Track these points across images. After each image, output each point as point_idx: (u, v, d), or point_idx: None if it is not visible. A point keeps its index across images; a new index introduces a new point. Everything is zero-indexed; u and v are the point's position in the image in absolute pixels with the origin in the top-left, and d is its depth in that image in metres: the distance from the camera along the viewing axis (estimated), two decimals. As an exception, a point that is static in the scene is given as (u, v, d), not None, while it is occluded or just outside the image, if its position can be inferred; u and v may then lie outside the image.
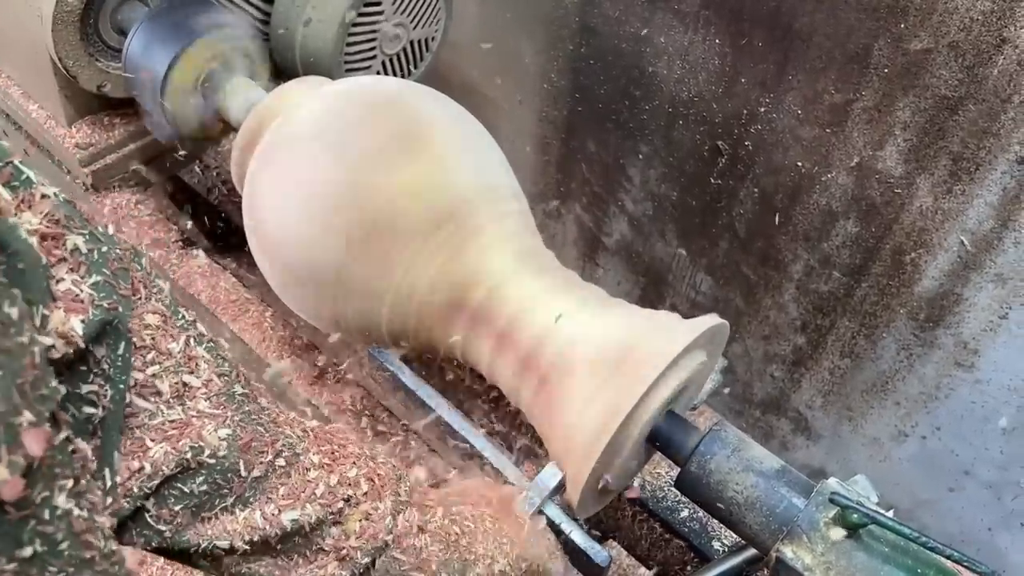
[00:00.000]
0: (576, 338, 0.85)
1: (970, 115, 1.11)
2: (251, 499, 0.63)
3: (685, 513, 1.10)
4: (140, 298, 0.57)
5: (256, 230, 0.99)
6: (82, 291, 0.51)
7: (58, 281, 0.50)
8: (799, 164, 1.34)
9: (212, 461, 0.59)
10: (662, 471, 1.13)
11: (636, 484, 1.07)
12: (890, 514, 0.73)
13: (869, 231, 1.31)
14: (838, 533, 0.73)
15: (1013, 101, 1.07)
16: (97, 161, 1.35)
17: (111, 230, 0.57)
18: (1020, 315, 1.20)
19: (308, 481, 0.66)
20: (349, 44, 1.26)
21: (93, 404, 0.53)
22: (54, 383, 0.45)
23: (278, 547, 0.65)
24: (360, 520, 0.68)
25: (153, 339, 0.57)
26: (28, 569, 0.41)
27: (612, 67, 1.51)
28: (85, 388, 0.52)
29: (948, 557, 0.69)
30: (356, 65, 1.30)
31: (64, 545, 0.44)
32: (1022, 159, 1.09)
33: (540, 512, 0.85)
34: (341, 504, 0.67)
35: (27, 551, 0.41)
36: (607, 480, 0.85)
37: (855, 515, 0.71)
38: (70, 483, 0.45)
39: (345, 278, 0.92)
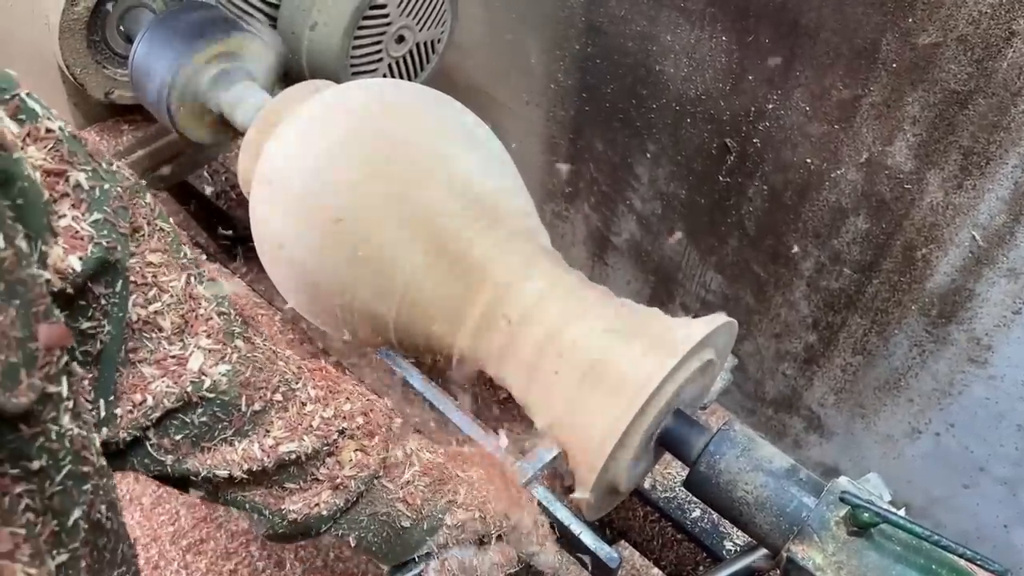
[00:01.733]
0: (583, 339, 0.85)
1: (980, 109, 1.10)
2: (249, 432, 0.65)
3: (696, 513, 1.09)
4: (143, 235, 0.58)
5: (263, 234, 0.99)
6: (82, 228, 0.51)
7: (60, 217, 0.50)
8: (808, 161, 1.33)
9: (212, 395, 0.61)
10: (673, 471, 1.13)
11: None
12: (902, 512, 0.72)
13: (879, 227, 1.30)
14: (849, 533, 0.72)
15: (1023, 94, 1.06)
16: (106, 168, 1.35)
17: (115, 166, 0.57)
18: (1033, 310, 1.19)
19: (304, 414, 0.68)
20: (355, 47, 1.27)
21: (91, 338, 0.55)
22: (58, 312, 0.47)
23: (274, 477, 0.67)
24: (355, 451, 0.70)
25: (155, 276, 0.59)
26: (32, 480, 0.43)
27: (619, 66, 1.51)
28: (83, 323, 0.54)
29: (961, 556, 0.68)
30: (362, 68, 1.30)
31: (66, 461, 0.46)
32: (1033, 153, 1.08)
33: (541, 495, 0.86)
34: (336, 436, 0.69)
35: (35, 464, 0.43)
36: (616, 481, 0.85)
37: (866, 514, 0.70)
38: (71, 403, 0.48)
39: (354, 275, 0.93)
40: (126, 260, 0.55)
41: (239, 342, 0.64)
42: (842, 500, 0.73)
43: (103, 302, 0.54)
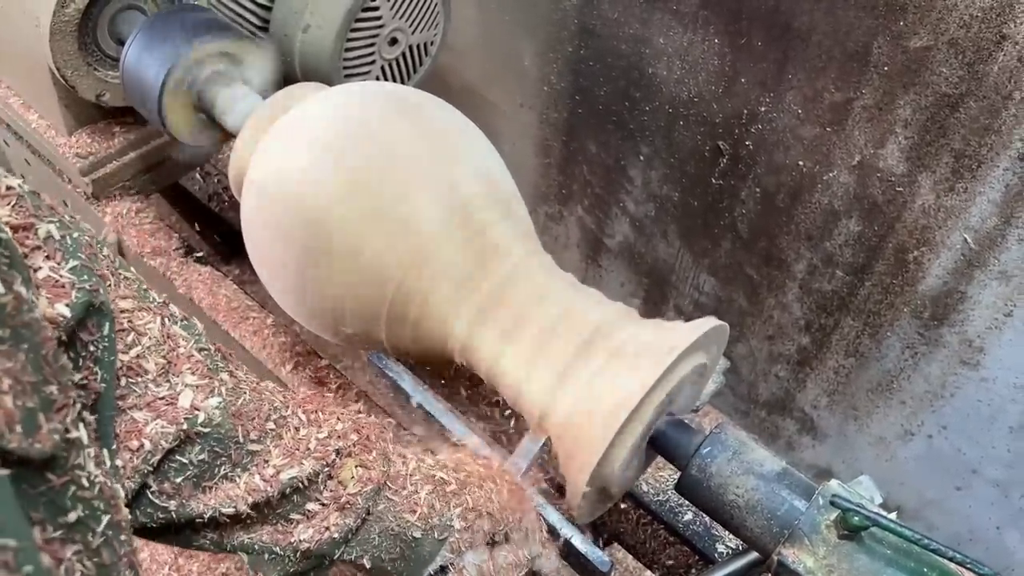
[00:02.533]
0: (573, 343, 0.85)
1: (971, 112, 1.11)
2: (248, 464, 0.64)
3: (689, 516, 1.09)
4: (110, 284, 0.59)
5: (254, 236, 0.99)
6: (62, 276, 0.51)
7: (36, 270, 0.50)
8: (800, 163, 1.33)
9: (207, 430, 0.61)
10: (665, 474, 1.13)
11: None
12: (894, 515, 0.73)
13: (872, 230, 1.31)
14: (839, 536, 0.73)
15: (1014, 98, 1.06)
16: (97, 170, 1.35)
17: (77, 217, 0.58)
18: (1025, 312, 1.20)
19: (300, 439, 0.68)
20: (348, 49, 1.26)
21: (85, 388, 0.54)
22: (64, 357, 0.47)
23: (278, 510, 0.66)
24: (354, 467, 0.70)
25: (130, 321, 0.59)
26: (73, 535, 0.42)
27: (612, 68, 1.51)
28: (76, 374, 0.53)
29: (951, 559, 0.68)
30: (355, 70, 1.30)
31: (101, 509, 0.46)
32: (1024, 156, 1.08)
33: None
34: (334, 456, 0.69)
35: (72, 516, 0.42)
36: (608, 485, 0.85)
37: (856, 518, 0.70)
38: (94, 451, 0.47)
39: (345, 282, 0.92)
40: (109, 303, 0.55)
41: (224, 375, 0.64)
42: (833, 504, 0.73)
43: (92, 348, 0.54)
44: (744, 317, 1.60)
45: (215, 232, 1.59)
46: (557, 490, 1.02)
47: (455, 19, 1.39)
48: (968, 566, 0.68)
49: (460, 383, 1.20)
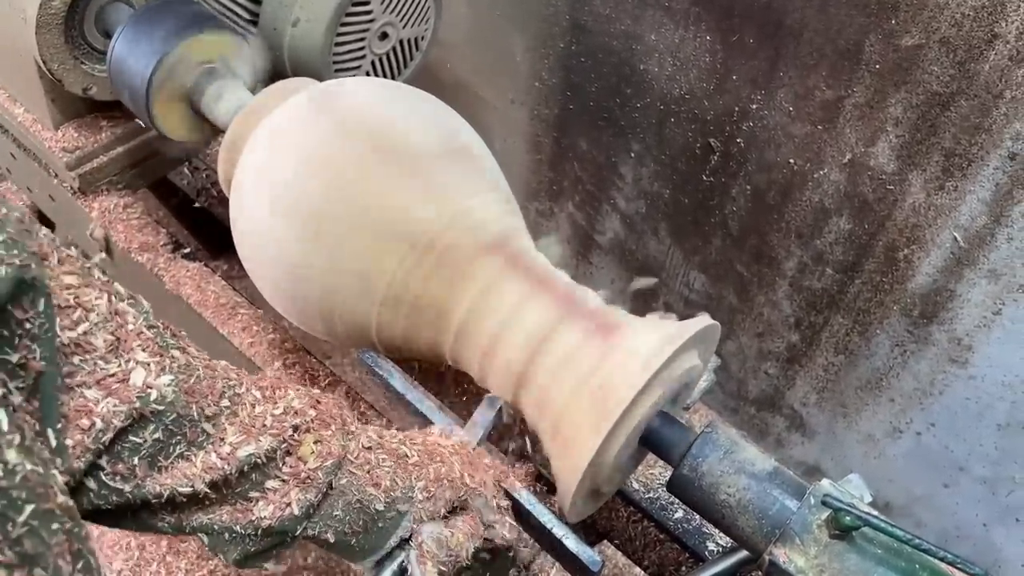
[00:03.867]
0: (564, 343, 0.85)
1: (962, 111, 1.11)
2: (204, 442, 0.63)
3: (680, 514, 1.09)
4: (52, 261, 0.57)
5: (243, 232, 0.98)
6: None
7: None
8: (791, 161, 1.33)
9: (161, 407, 0.60)
10: (656, 472, 1.13)
11: None
12: (882, 514, 0.73)
13: (862, 228, 1.31)
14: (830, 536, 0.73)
15: (1005, 96, 1.06)
16: (84, 164, 1.34)
17: (4, 198, 0.56)
18: (1013, 311, 1.20)
19: (256, 416, 0.67)
20: (338, 44, 1.25)
21: (23, 368, 0.52)
22: None
23: (237, 489, 0.66)
24: (314, 443, 0.70)
25: (76, 297, 0.57)
26: None
27: (603, 65, 1.51)
28: (12, 355, 0.51)
29: (941, 559, 0.69)
30: (345, 65, 1.29)
31: (24, 498, 0.44)
32: (1014, 155, 1.09)
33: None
34: (291, 431, 0.68)
35: None
36: (599, 483, 0.85)
37: (848, 517, 0.70)
38: (17, 438, 0.46)
39: (331, 295, 0.92)
40: (44, 278, 0.53)
41: (175, 352, 0.63)
42: (824, 503, 0.72)
43: (28, 326, 0.52)
44: (734, 314, 1.60)
45: (204, 227, 1.58)
46: (549, 489, 1.02)
47: (446, 14, 1.38)
48: (958, 566, 0.68)
49: (450, 382, 1.20)
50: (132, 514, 0.63)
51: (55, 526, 0.46)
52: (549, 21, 1.54)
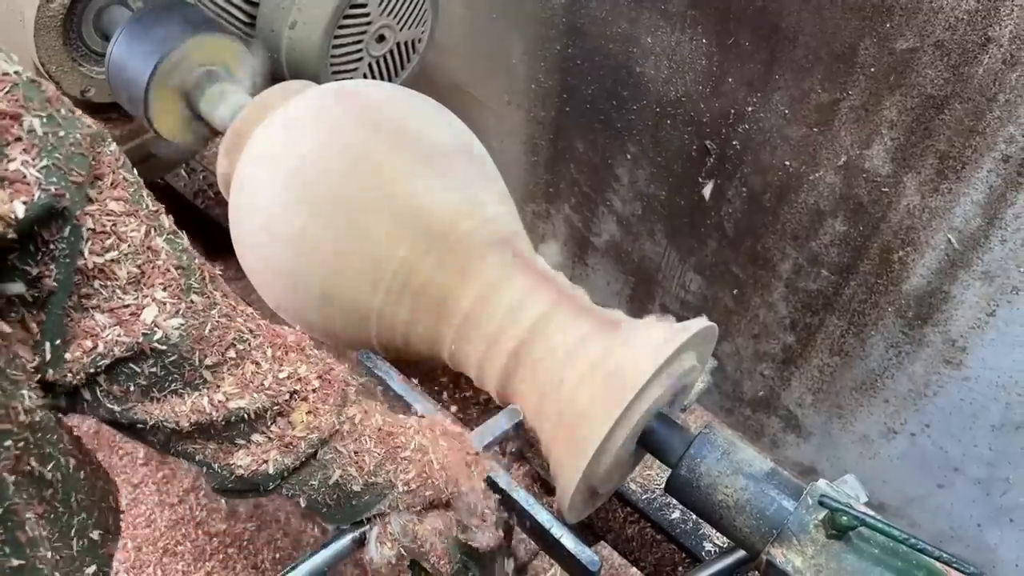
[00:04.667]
0: (564, 344, 0.85)
1: (956, 114, 1.12)
2: (200, 385, 0.65)
3: (676, 515, 1.10)
4: (105, 184, 0.58)
5: (242, 231, 0.99)
6: (30, 173, 0.51)
7: (10, 160, 0.50)
8: (787, 163, 1.34)
9: (163, 347, 0.61)
10: (653, 473, 1.13)
11: None
12: (878, 515, 0.73)
13: (857, 230, 1.31)
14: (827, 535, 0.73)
15: (998, 100, 1.07)
16: (82, 166, 1.34)
17: (76, 114, 0.57)
18: (1007, 312, 1.21)
19: (257, 372, 0.68)
20: (335, 46, 1.26)
21: (38, 281, 0.55)
22: None
23: (223, 433, 0.68)
24: (306, 413, 0.71)
25: (114, 225, 0.59)
26: None
27: (599, 67, 1.51)
28: (32, 268, 0.54)
29: (937, 558, 0.69)
30: (343, 67, 1.29)
31: None
32: (1007, 157, 1.09)
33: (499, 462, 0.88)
34: (287, 396, 0.70)
35: None
36: (598, 483, 0.85)
37: (844, 517, 0.71)
38: None
39: (335, 277, 0.92)
40: (76, 208, 0.55)
41: (195, 296, 0.64)
42: (821, 503, 0.73)
43: (51, 247, 0.55)
44: (730, 316, 1.60)
45: (201, 228, 1.58)
46: (546, 490, 1.02)
47: (443, 17, 1.39)
48: (954, 565, 0.69)
49: (445, 384, 1.20)
50: (122, 427, 0.66)
51: (7, 443, 0.50)
52: (546, 24, 1.54)
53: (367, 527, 0.80)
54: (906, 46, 1.12)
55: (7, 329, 0.55)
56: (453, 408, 1.13)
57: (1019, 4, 1.00)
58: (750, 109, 1.33)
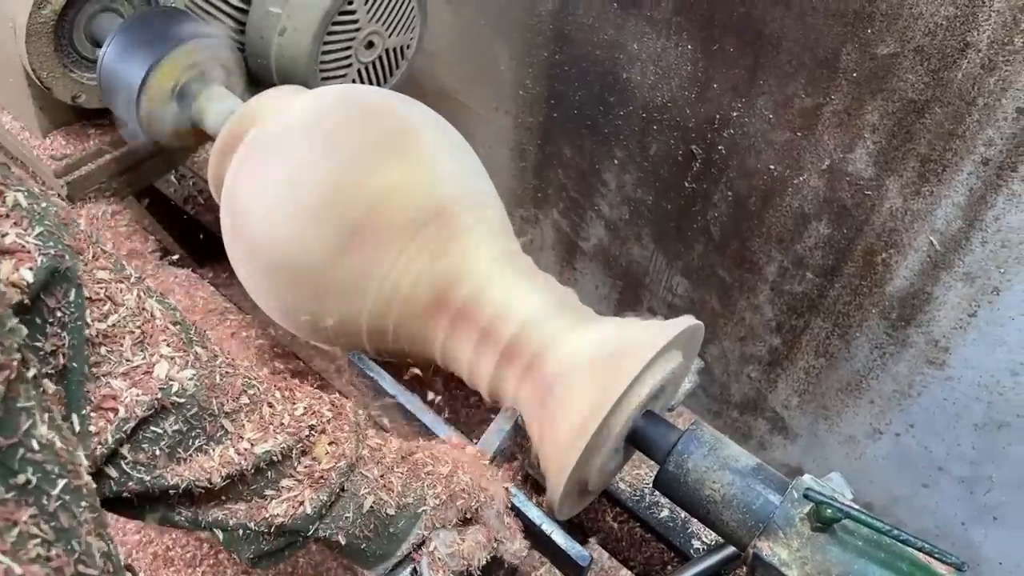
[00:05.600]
0: (554, 341, 0.87)
1: (936, 118, 1.14)
2: (223, 437, 0.65)
3: (665, 513, 1.11)
4: (88, 256, 0.60)
5: (235, 233, 0.99)
6: (27, 242, 0.52)
7: (3, 236, 0.51)
8: (772, 167, 1.36)
9: (182, 400, 0.62)
10: (642, 472, 1.14)
11: None
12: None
13: (841, 232, 1.33)
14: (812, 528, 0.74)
15: (977, 104, 1.09)
16: (72, 172, 1.34)
17: (48, 191, 0.58)
18: (988, 312, 1.23)
19: (275, 414, 0.69)
20: (324, 52, 1.27)
21: (53, 355, 0.55)
22: (15, 322, 0.47)
23: (253, 486, 0.68)
24: (328, 444, 0.72)
25: (107, 291, 0.60)
26: (27, 497, 0.42)
27: (586, 73, 1.53)
28: (44, 342, 0.54)
29: (920, 549, 0.71)
30: (332, 73, 1.30)
31: (56, 473, 0.45)
32: (987, 160, 1.11)
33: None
34: (308, 431, 0.70)
35: (21, 478, 0.42)
36: (587, 480, 0.86)
37: (829, 510, 0.72)
38: (47, 416, 0.47)
39: (327, 277, 0.93)
40: (76, 269, 0.56)
41: (198, 348, 0.65)
42: (806, 497, 0.74)
43: (59, 314, 0.55)
44: (716, 319, 1.62)
45: (192, 234, 1.59)
46: (536, 490, 1.03)
47: (431, 23, 1.40)
48: (936, 556, 0.70)
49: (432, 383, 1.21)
50: (150, 505, 0.65)
51: (84, 504, 0.47)
52: (533, 30, 1.56)
53: (416, 562, 0.78)
54: (887, 51, 1.14)
55: (52, 387, 0.54)
56: (446, 411, 1.14)
57: (996, 10, 1.02)
58: (735, 114, 1.35)
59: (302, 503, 0.69)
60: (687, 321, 0.87)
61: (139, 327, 0.61)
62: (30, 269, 0.51)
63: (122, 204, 1.41)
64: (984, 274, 1.20)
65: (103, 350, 0.59)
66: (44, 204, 0.55)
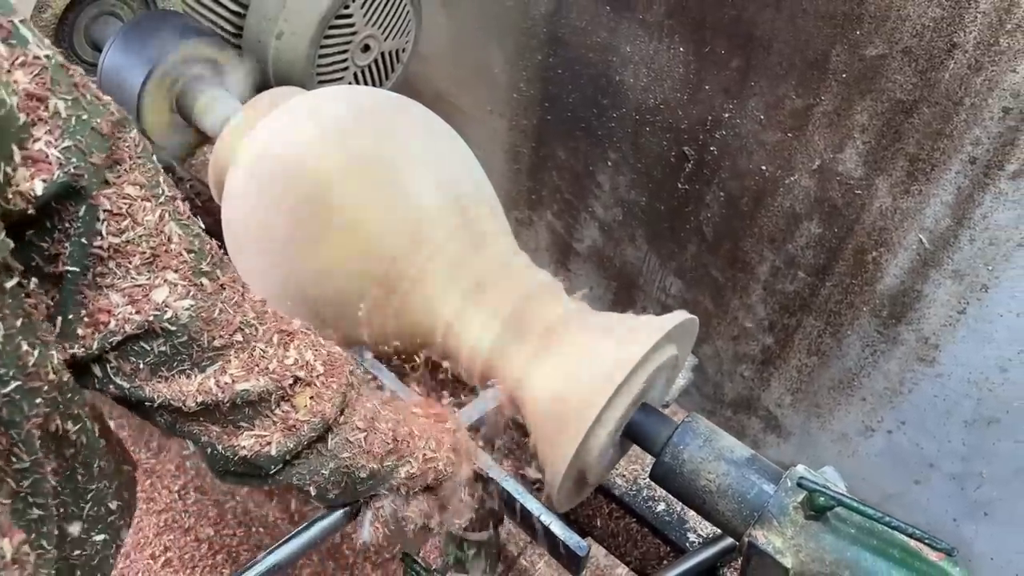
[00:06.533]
0: (553, 334, 0.88)
1: (924, 117, 1.15)
2: (207, 366, 0.67)
3: (661, 507, 1.12)
4: (123, 169, 0.61)
5: (234, 237, 1.00)
6: (51, 153, 0.54)
7: (34, 140, 0.53)
8: (763, 168, 1.37)
9: (173, 328, 0.63)
10: (638, 467, 1.15)
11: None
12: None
13: (832, 231, 1.35)
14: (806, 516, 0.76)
15: (964, 103, 1.11)
16: (71, 175, 1.35)
17: (103, 99, 0.59)
18: (977, 309, 1.24)
19: (264, 357, 0.70)
20: (321, 56, 1.28)
21: (54, 259, 0.58)
22: (2, 236, 0.50)
23: (228, 416, 0.69)
24: (310, 398, 0.73)
25: (130, 208, 0.61)
26: None
27: (580, 76, 1.54)
28: (46, 245, 0.57)
29: (911, 536, 0.72)
30: (328, 76, 1.32)
31: (9, 375, 0.50)
32: (974, 159, 1.13)
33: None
34: (292, 381, 0.72)
35: None
36: (585, 473, 0.88)
37: (822, 498, 0.74)
38: (19, 322, 0.51)
39: (325, 282, 0.94)
40: (93, 188, 0.57)
41: (205, 280, 0.66)
42: (799, 486, 0.76)
43: (66, 225, 0.57)
44: (710, 318, 1.63)
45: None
46: (536, 485, 1.04)
47: (426, 27, 1.41)
48: (927, 542, 0.72)
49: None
50: (131, 405, 0.67)
51: (38, 400, 0.52)
52: (527, 34, 1.57)
53: (360, 505, 0.82)
54: (876, 53, 1.15)
55: (40, 295, 0.58)
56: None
57: (982, 11, 1.04)
58: (727, 115, 1.37)
59: (268, 444, 0.71)
60: (681, 315, 0.89)
61: (151, 248, 0.62)
62: (44, 182, 0.53)
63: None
64: (973, 272, 1.22)
65: (111, 264, 0.60)
66: (87, 116, 0.56)
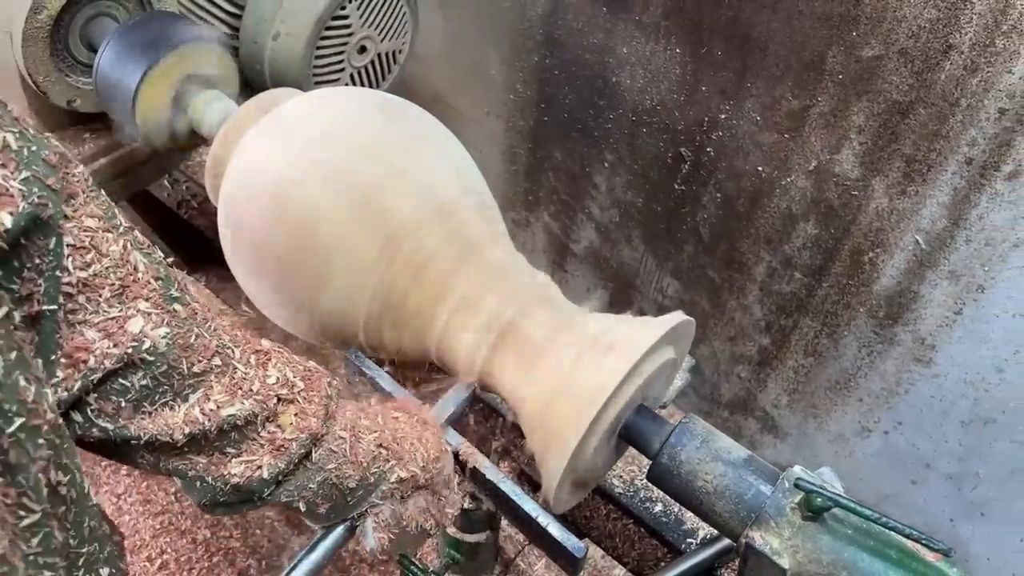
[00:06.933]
0: (547, 338, 0.88)
1: (920, 118, 1.15)
2: (190, 395, 0.66)
3: (659, 508, 1.12)
4: (78, 202, 0.59)
5: (232, 239, 1.00)
6: (12, 186, 0.52)
7: None
8: (760, 169, 1.37)
9: (152, 358, 0.62)
10: (635, 468, 1.16)
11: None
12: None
13: (828, 232, 1.35)
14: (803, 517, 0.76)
15: (960, 104, 1.11)
16: (67, 176, 1.35)
17: (44, 134, 0.58)
18: (973, 310, 1.25)
19: (245, 379, 0.69)
20: (317, 57, 1.28)
21: (28, 299, 0.55)
22: None
23: (215, 443, 0.68)
24: (294, 415, 0.72)
25: (92, 240, 0.59)
26: None
27: (577, 77, 1.54)
28: (18, 285, 0.54)
29: (907, 536, 0.72)
30: (325, 78, 1.32)
31: (13, 412, 0.47)
32: (970, 160, 1.13)
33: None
34: (275, 401, 0.71)
35: None
36: (582, 474, 0.88)
37: (819, 499, 0.74)
38: (14, 355, 0.48)
39: (322, 285, 0.94)
40: (59, 218, 0.56)
41: (177, 306, 0.65)
42: (796, 486, 0.76)
43: (37, 261, 0.55)
44: (706, 319, 1.63)
45: (185, 238, 1.59)
46: (532, 487, 1.04)
47: (423, 28, 1.41)
48: (924, 542, 0.72)
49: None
50: (114, 447, 0.66)
51: (41, 441, 0.49)
52: (523, 35, 1.57)
53: (359, 518, 0.82)
54: (872, 54, 1.15)
55: (24, 330, 0.55)
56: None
57: (978, 13, 1.04)
58: (723, 116, 1.37)
59: (260, 468, 0.70)
60: (678, 316, 0.88)
61: (120, 279, 0.61)
62: (11, 214, 0.51)
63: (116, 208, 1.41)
64: (969, 272, 1.22)
65: (81, 299, 0.59)
66: (36, 147, 0.54)
